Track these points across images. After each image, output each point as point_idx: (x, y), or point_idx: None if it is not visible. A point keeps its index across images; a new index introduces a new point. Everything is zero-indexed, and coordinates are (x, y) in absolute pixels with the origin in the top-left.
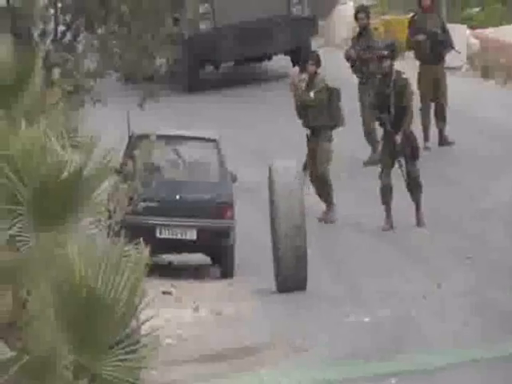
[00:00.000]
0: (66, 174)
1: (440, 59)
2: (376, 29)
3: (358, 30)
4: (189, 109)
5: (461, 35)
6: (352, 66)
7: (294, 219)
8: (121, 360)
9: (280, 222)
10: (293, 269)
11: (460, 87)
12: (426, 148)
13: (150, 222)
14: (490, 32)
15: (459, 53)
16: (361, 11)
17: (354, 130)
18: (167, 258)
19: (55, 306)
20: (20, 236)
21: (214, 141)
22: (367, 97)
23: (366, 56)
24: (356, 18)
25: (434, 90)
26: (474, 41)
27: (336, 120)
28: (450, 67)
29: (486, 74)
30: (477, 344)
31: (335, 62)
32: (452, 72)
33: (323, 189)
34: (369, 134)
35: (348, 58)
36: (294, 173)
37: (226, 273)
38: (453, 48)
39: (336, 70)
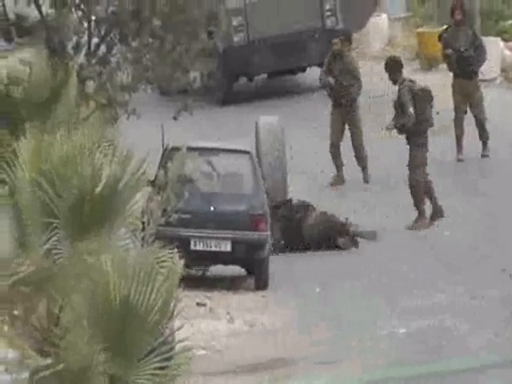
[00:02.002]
0: (100, 186)
1: (472, 75)
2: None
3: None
4: (223, 121)
5: (495, 48)
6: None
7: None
8: (155, 368)
9: (265, 158)
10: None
11: (495, 99)
12: (459, 159)
13: (185, 233)
14: None
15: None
16: (337, 37)
17: None
18: (202, 269)
19: (89, 316)
20: (56, 249)
21: (247, 153)
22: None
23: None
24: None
25: (467, 103)
26: (508, 53)
27: None
28: (484, 79)
29: None
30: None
31: (369, 74)
32: (486, 84)
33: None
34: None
35: (325, 86)
36: (277, 127)
37: (260, 284)
38: (481, 64)
39: (369, 82)
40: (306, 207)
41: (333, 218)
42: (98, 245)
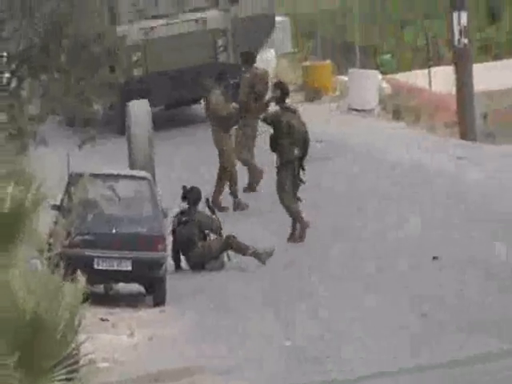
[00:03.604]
0: (7, 206)
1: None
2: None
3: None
4: (124, 149)
5: (373, 80)
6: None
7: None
8: (62, 380)
9: (135, 138)
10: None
11: (372, 127)
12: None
13: (88, 253)
14: (400, 77)
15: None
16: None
17: None
18: (105, 287)
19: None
20: None
21: (146, 179)
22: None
23: None
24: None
25: None
26: (385, 85)
27: None
28: (363, 109)
29: (397, 115)
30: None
31: None
32: (364, 114)
33: None
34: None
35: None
36: (145, 109)
37: (159, 300)
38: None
39: None
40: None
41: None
42: (6, 260)
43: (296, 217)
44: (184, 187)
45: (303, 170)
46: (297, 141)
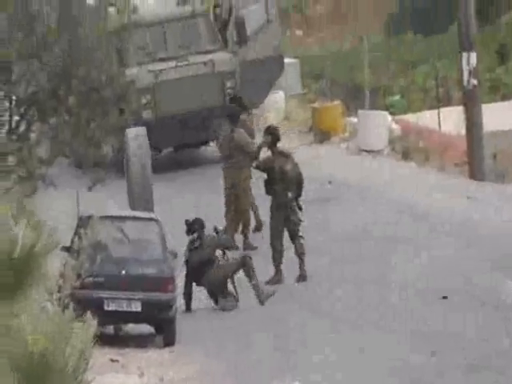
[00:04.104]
0: (18, 250)
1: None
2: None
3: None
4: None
5: (383, 121)
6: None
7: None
8: None
9: (133, 167)
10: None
11: (382, 168)
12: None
13: (98, 295)
14: (410, 117)
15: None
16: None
17: None
18: (115, 328)
19: (10, 371)
20: None
21: (155, 220)
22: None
23: None
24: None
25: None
26: (395, 126)
27: None
28: (373, 150)
29: (406, 156)
30: None
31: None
32: (375, 154)
33: None
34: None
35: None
36: (143, 137)
37: (169, 341)
38: None
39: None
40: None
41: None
42: (17, 307)
43: (276, 265)
44: (187, 221)
45: (300, 209)
46: (290, 185)
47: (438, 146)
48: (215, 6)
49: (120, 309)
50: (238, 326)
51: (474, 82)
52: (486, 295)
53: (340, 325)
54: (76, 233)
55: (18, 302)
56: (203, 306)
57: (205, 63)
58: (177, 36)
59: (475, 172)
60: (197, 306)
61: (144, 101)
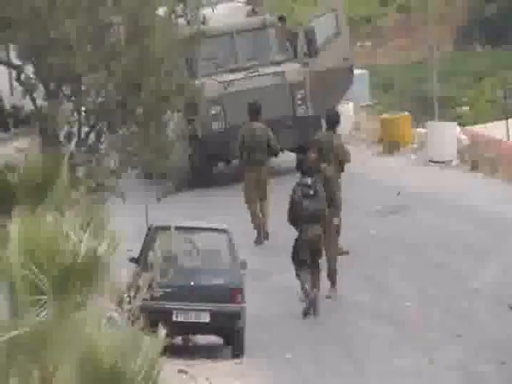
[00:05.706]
0: (81, 259)
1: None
2: None
3: None
4: (202, 202)
5: (452, 132)
6: None
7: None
8: None
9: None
10: None
11: (450, 179)
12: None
13: (167, 306)
14: (478, 128)
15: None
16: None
17: None
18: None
19: (80, 382)
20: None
21: (225, 231)
22: None
23: None
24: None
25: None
26: (463, 137)
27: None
28: (441, 161)
29: (474, 167)
30: None
31: None
32: (443, 166)
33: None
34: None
35: None
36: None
37: (237, 352)
38: None
39: None
40: None
41: None
42: (84, 313)
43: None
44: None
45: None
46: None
47: (506, 157)
48: (279, 19)
49: (188, 320)
50: (306, 336)
51: None
52: None
53: (408, 333)
54: (145, 244)
55: (83, 308)
56: (269, 314)
57: (274, 74)
58: (246, 47)
59: None
60: (268, 314)
61: (213, 112)
